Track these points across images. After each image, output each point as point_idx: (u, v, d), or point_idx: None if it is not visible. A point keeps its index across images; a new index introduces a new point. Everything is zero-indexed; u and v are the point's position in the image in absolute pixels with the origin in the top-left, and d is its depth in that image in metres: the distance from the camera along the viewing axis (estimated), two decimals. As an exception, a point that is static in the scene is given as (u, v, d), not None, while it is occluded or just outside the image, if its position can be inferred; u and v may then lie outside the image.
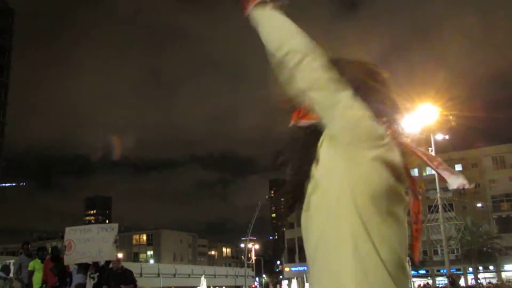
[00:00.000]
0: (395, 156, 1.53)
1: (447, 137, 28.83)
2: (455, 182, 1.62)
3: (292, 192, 1.71)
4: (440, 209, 27.78)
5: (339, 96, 1.50)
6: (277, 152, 1.85)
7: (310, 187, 1.60)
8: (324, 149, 1.59)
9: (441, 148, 35.50)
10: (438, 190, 29.11)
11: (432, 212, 34.50)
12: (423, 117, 26.84)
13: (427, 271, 66.61)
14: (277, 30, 1.61)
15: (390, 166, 1.50)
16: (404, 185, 1.58)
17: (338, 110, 1.49)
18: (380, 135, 1.51)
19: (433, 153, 27.26)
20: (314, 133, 1.65)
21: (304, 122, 1.72)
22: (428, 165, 1.65)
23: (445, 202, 29.57)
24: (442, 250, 47.17)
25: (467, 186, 1.62)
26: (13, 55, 73.03)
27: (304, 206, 1.62)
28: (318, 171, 1.59)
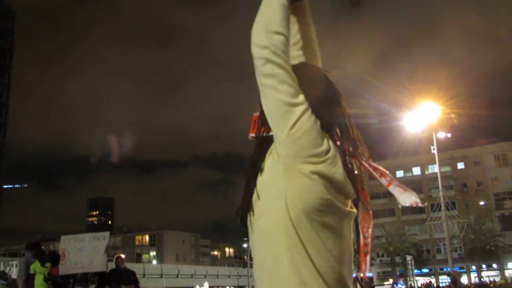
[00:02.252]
0: (337, 171, 1.54)
1: (449, 135, 28.73)
2: (407, 200, 1.62)
3: (242, 206, 1.70)
4: (443, 207, 27.72)
5: (289, 109, 1.51)
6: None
7: (254, 198, 1.63)
8: (269, 161, 1.62)
9: (443, 146, 35.50)
10: (440, 188, 29.07)
11: (435, 211, 34.48)
12: (425, 115, 26.79)
13: (430, 270, 66.56)
14: (262, 18, 1.62)
15: (329, 180, 1.52)
16: (346, 199, 1.60)
17: (285, 122, 1.50)
18: (321, 150, 1.52)
19: (435, 152, 27.31)
20: (264, 144, 1.69)
21: (260, 134, 1.74)
22: (379, 181, 1.66)
23: (447, 200, 29.51)
24: (445, 248, 47.15)
25: (419, 205, 1.63)
26: (15, 56, 73.17)
27: (249, 215, 1.66)
28: (261, 183, 1.62)
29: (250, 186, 1.66)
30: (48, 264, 11.63)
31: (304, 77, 1.63)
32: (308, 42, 1.97)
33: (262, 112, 1.65)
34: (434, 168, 56.77)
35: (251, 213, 1.64)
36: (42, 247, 13.03)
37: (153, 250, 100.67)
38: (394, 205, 64.55)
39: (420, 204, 1.62)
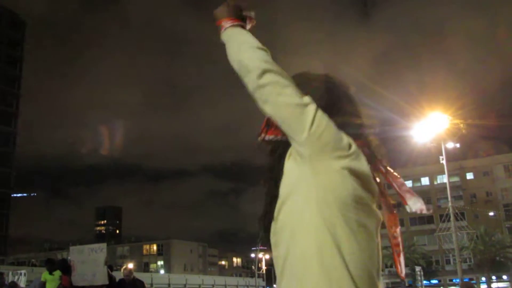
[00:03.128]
0: (363, 166, 1.51)
1: (458, 145, 28.64)
2: (415, 205, 1.61)
3: (266, 215, 1.66)
4: (452, 218, 27.54)
5: (302, 109, 1.49)
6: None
7: (277, 205, 1.58)
8: (290, 164, 1.58)
9: (452, 157, 35.34)
10: (449, 199, 28.91)
11: (444, 221, 34.27)
12: (434, 125, 26.71)
13: (439, 281, 66.04)
14: (237, 50, 1.63)
15: (358, 176, 1.49)
16: (374, 197, 1.55)
17: (302, 123, 1.48)
18: (345, 145, 1.50)
19: (444, 162, 27.18)
20: (281, 148, 1.66)
21: (271, 137, 1.71)
22: (390, 184, 1.64)
23: (456, 211, 29.32)
24: (454, 259, 46.79)
25: (424, 211, 1.62)
26: (24, 66, 73.78)
27: (273, 224, 1.61)
28: (284, 187, 1.57)
29: (272, 193, 1.62)
30: (56, 273, 11.66)
31: (301, 86, 1.60)
32: None
33: (269, 119, 1.64)
34: (443, 179, 56.46)
35: (275, 221, 1.59)
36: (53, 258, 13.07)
37: (160, 260, 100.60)
38: (403, 216, 64.21)
39: (425, 211, 1.60)
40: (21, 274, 17.85)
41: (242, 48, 1.62)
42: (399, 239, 1.67)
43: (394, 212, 1.67)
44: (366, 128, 1.69)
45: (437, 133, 27.05)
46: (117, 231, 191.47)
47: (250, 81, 1.55)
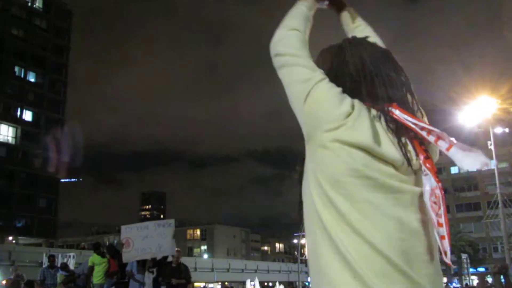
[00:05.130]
0: (362, 134, 1.34)
1: (507, 130, 27.75)
2: (475, 163, 1.33)
3: (299, 203, 1.57)
4: (500, 204, 26.84)
5: (301, 86, 1.44)
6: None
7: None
8: (306, 150, 1.52)
9: (501, 142, 34.31)
10: (497, 185, 28.15)
11: (492, 208, 33.42)
12: (481, 109, 25.97)
13: (486, 269, 64.60)
14: (280, 24, 1.65)
15: (356, 146, 1.32)
16: (397, 169, 1.36)
17: (299, 100, 1.44)
18: (339, 114, 1.35)
19: (492, 147, 26.44)
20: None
21: None
22: (425, 139, 1.39)
23: (505, 197, 28.53)
24: (502, 247, 45.62)
25: (488, 166, 1.38)
26: (71, 54, 75.51)
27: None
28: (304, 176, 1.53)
29: (300, 177, 1.56)
30: (108, 256, 12.01)
31: (324, 57, 1.61)
32: None
33: None
34: (491, 164, 54.96)
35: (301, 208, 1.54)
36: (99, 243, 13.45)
37: (204, 244, 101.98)
38: (448, 202, 62.98)
39: (488, 166, 1.38)
40: (70, 256, 18.41)
41: (277, 31, 1.63)
42: (443, 218, 1.36)
43: (439, 185, 1.36)
44: (390, 91, 1.48)
45: (485, 118, 26.29)
46: (161, 216, 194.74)
47: (274, 65, 1.57)
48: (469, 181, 63.95)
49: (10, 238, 59.97)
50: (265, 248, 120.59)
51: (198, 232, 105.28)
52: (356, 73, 1.50)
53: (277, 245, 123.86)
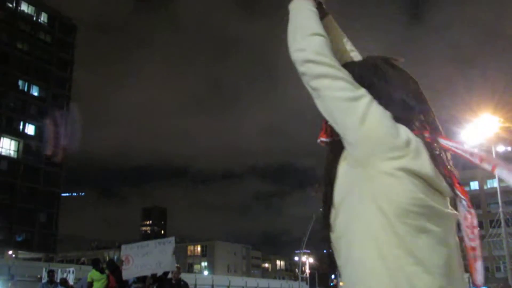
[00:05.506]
0: (424, 164, 1.33)
1: (509, 148, 27.72)
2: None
3: (324, 225, 1.51)
4: (503, 223, 26.71)
5: (351, 104, 1.35)
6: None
7: (332, 213, 1.46)
8: (343, 166, 1.44)
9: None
10: (500, 204, 28.04)
11: (494, 227, 33.24)
12: (483, 128, 25.98)
13: (488, 289, 64.23)
14: (292, 36, 1.53)
15: (419, 177, 1.31)
16: (444, 198, 1.38)
17: (351, 119, 1.34)
18: (401, 143, 1.32)
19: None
20: (335, 149, 1.52)
21: (326, 139, 1.60)
22: (474, 163, 1.42)
23: (507, 216, 28.40)
24: (505, 266, 45.31)
25: None
26: (75, 68, 75.96)
27: (331, 234, 1.48)
28: (337, 193, 1.44)
29: (327, 199, 1.49)
30: (107, 272, 11.94)
31: (356, 73, 1.47)
32: (343, 54, 1.85)
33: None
34: (493, 183, 54.83)
35: (333, 231, 1.46)
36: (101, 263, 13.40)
37: (204, 261, 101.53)
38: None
39: None
40: (69, 272, 18.33)
41: (298, 33, 1.50)
42: (477, 241, 1.46)
43: (471, 211, 1.47)
44: (426, 114, 1.49)
45: (488, 136, 26.29)
46: (162, 232, 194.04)
47: (302, 72, 1.45)
48: (471, 199, 63.66)
49: (10, 252, 59.74)
50: (266, 265, 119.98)
51: (199, 248, 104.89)
52: (408, 99, 1.47)
53: (278, 262, 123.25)
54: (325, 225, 1.48)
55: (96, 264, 12.46)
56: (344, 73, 1.41)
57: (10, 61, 64.28)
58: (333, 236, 1.45)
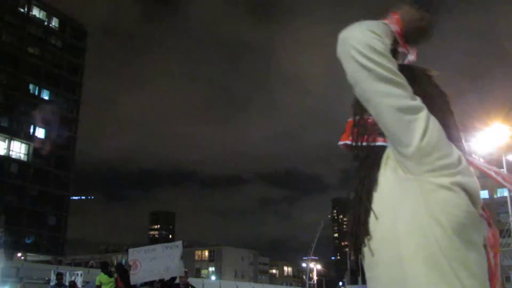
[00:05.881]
0: (474, 181, 1.34)
1: (520, 158, 27.50)
2: None
3: (356, 232, 1.46)
4: (512, 233, 26.48)
5: (411, 117, 1.29)
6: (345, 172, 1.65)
7: (372, 222, 1.40)
8: (387, 175, 1.39)
9: (513, 170, 34.00)
10: (510, 213, 27.84)
11: (504, 237, 32.99)
12: (494, 137, 25.83)
13: (498, 298, 63.55)
14: (358, 24, 1.37)
15: (469, 193, 1.31)
16: (479, 212, 1.38)
17: (411, 133, 1.28)
18: (455, 160, 1.32)
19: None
20: (372, 156, 1.46)
21: (353, 142, 1.53)
22: (505, 186, 1.47)
23: (517, 226, 28.17)
24: (514, 276, 44.90)
25: None
26: (85, 73, 76.39)
27: (367, 245, 1.42)
28: (381, 202, 1.39)
29: (363, 206, 1.43)
30: (115, 275, 11.99)
31: (410, 79, 1.37)
32: None
33: (361, 119, 1.49)
34: (504, 192, 54.46)
35: (370, 240, 1.40)
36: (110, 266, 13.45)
37: (212, 266, 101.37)
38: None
39: None
40: (77, 274, 18.40)
41: (357, 29, 1.36)
42: (498, 259, 1.46)
43: (490, 228, 1.45)
44: (467, 133, 1.52)
45: (498, 145, 26.13)
46: (170, 236, 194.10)
47: (354, 71, 1.33)
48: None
49: (19, 254, 60.00)
50: (273, 271, 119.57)
51: (206, 253, 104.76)
52: (449, 116, 1.48)
53: (285, 268, 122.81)
54: (362, 231, 1.42)
55: (104, 267, 12.50)
56: (403, 79, 1.33)
57: (21, 65, 64.76)
58: (372, 245, 1.40)
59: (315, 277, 73.27)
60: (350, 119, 1.55)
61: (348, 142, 1.54)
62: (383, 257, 1.37)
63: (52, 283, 15.67)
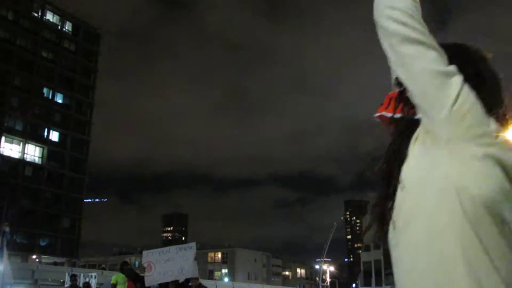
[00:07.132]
0: (510, 157, 1.23)
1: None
2: None
3: (382, 204, 1.39)
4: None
5: (445, 80, 1.24)
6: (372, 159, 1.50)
7: (399, 195, 1.33)
8: (417, 148, 1.32)
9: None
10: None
11: None
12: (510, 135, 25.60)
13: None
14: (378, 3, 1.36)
15: (505, 168, 1.20)
16: None
17: (442, 96, 1.23)
18: (492, 130, 1.24)
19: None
20: (405, 129, 1.39)
21: (392, 114, 1.46)
22: None
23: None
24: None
25: None
26: (98, 76, 76.94)
27: (392, 220, 1.34)
28: (409, 174, 1.31)
29: (393, 179, 1.35)
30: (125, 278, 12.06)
31: (452, 51, 1.34)
32: None
33: (401, 92, 1.42)
34: None
35: (397, 213, 1.33)
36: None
37: (225, 268, 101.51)
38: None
39: None
40: (92, 276, 18.54)
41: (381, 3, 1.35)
42: None
43: None
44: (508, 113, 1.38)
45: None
46: (183, 238, 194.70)
47: (388, 33, 1.31)
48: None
49: (34, 256, 60.53)
50: (286, 273, 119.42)
51: (219, 255, 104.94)
52: (492, 90, 1.38)
53: (298, 270, 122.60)
54: (388, 207, 1.36)
55: (124, 267, 12.53)
56: (436, 44, 1.29)
57: (35, 69, 65.39)
58: (398, 219, 1.32)
59: (328, 279, 73.03)
60: (391, 92, 1.50)
61: (387, 113, 1.48)
62: (410, 233, 1.29)
63: (66, 285, 15.82)
